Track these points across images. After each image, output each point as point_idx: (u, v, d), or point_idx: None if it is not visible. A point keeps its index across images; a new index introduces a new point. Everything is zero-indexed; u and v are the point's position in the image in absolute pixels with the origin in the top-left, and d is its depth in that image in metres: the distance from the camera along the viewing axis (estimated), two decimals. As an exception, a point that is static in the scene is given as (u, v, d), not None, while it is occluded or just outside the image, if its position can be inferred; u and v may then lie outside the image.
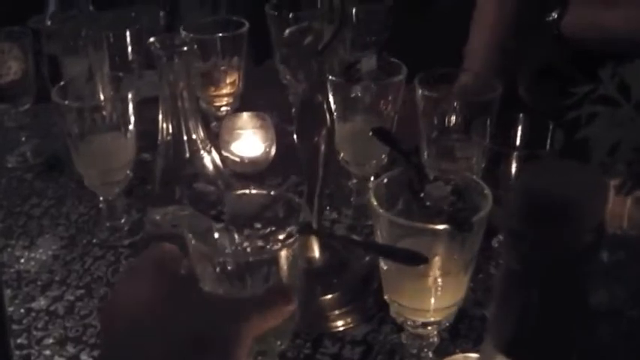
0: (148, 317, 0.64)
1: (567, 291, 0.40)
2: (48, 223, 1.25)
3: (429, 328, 0.87)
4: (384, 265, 0.85)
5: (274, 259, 0.75)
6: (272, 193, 0.83)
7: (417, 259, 0.75)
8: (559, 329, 0.42)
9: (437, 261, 0.80)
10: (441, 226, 0.78)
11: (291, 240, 0.76)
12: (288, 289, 0.73)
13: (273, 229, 0.79)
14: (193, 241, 0.75)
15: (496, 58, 1.42)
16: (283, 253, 0.75)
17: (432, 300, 0.83)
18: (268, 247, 0.80)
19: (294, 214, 0.80)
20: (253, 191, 0.84)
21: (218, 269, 0.76)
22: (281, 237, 0.78)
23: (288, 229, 0.77)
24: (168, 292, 0.66)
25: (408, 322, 0.87)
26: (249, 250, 0.82)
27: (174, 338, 0.61)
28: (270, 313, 0.66)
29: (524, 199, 0.38)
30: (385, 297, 0.87)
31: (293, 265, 0.76)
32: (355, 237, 1.18)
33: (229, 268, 0.76)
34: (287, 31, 0.93)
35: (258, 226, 0.79)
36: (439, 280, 0.82)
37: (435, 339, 0.89)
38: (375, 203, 0.81)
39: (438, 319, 0.86)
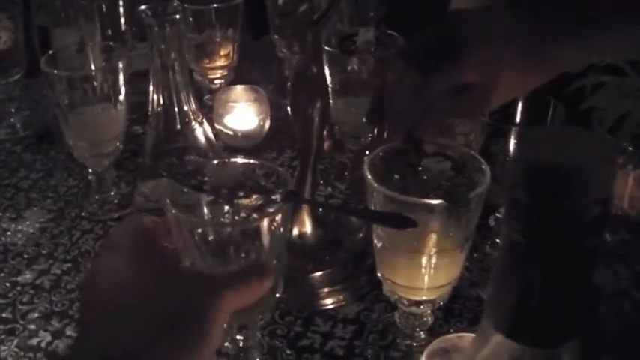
0: (126, 296, 0.63)
1: (571, 266, 0.37)
2: (36, 196, 1.23)
3: (423, 306, 0.85)
4: (377, 242, 0.83)
5: (256, 230, 0.73)
6: (252, 161, 0.80)
7: (406, 223, 0.72)
8: (562, 309, 0.39)
9: (432, 237, 0.78)
10: (436, 202, 0.75)
11: (273, 209, 0.74)
12: (265, 265, 0.71)
13: (263, 200, 0.77)
14: (173, 211, 0.73)
15: None
16: (265, 223, 0.73)
17: (426, 278, 0.81)
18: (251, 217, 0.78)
19: (277, 184, 0.78)
20: (233, 160, 0.82)
21: (199, 241, 0.74)
22: (271, 209, 0.76)
23: (272, 198, 0.74)
24: (146, 269, 0.65)
25: (402, 301, 0.85)
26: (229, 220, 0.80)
27: (152, 316, 0.60)
28: (244, 290, 0.65)
29: (526, 167, 0.35)
30: (378, 274, 0.85)
31: (278, 236, 0.74)
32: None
33: (210, 239, 0.74)
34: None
35: (241, 194, 0.77)
36: (434, 257, 0.79)
37: (429, 318, 0.87)
38: (370, 177, 0.79)
39: (432, 297, 0.84)
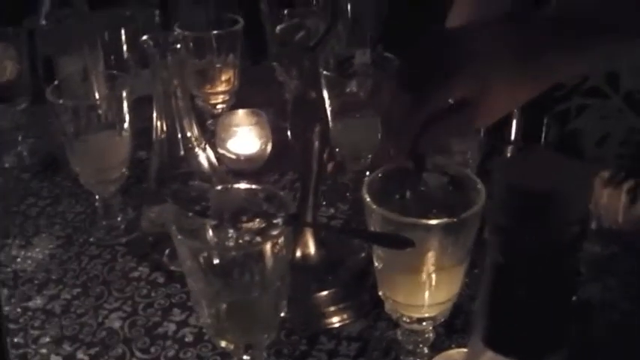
0: None
1: (553, 284, 0.40)
2: (44, 223, 1.25)
3: (424, 323, 0.87)
4: (377, 263, 0.85)
5: (259, 253, 0.76)
6: (254, 187, 0.83)
7: (404, 243, 0.74)
8: (546, 323, 0.41)
9: (431, 256, 0.80)
10: (434, 221, 0.77)
11: (275, 232, 0.76)
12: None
13: (266, 223, 0.80)
14: (179, 236, 0.75)
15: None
16: (268, 246, 0.75)
17: (427, 295, 0.83)
18: (254, 241, 0.80)
19: (279, 207, 0.80)
20: (236, 186, 0.84)
21: (204, 264, 0.76)
22: (273, 232, 0.78)
23: (274, 222, 0.77)
24: None
25: (404, 319, 0.87)
26: (233, 244, 0.82)
27: None
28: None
29: (506, 191, 0.38)
30: (380, 293, 0.87)
31: (280, 258, 0.76)
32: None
33: (215, 262, 0.77)
34: (278, 27, 0.93)
35: (244, 219, 0.80)
36: (433, 275, 0.81)
37: (431, 335, 0.89)
38: (368, 199, 0.81)
39: (433, 314, 0.86)
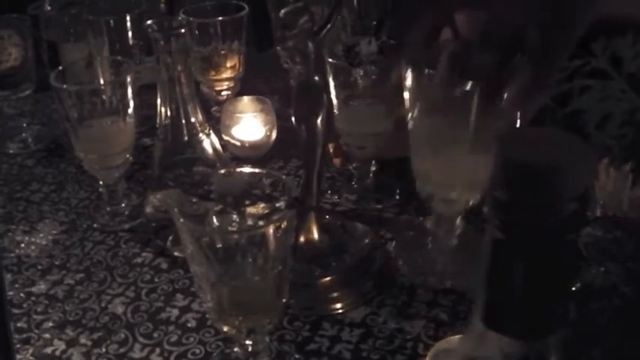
0: None
1: (552, 261, 0.39)
2: (48, 208, 1.25)
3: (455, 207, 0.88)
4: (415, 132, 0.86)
5: (262, 237, 0.75)
6: (258, 171, 0.83)
7: None
8: (545, 303, 0.41)
9: (470, 124, 0.82)
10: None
11: (278, 216, 0.76)
12: None
13: (269, 208, 0.79)
14: (181, 220, 0.75)
15: None
16: (271, 231, 0.75)
17: (462, 171, 0.85)
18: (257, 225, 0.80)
19: (283, 192, 0.80)
20: (239, 170, 0.84)
21: (206, 248, 0.76)
22: (276, 216, 0.78)
23: (277, 205, 0.77)
24: None
25: (435, 196, 0.88)
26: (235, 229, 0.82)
27: None
28: None
29: (504, 166, 0.37)
30: (413, 168, 0.89)
31: (283, 242, 0.76)
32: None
33: (218, 246, 0.76)
34: (282, 11, 0.93)
35: (247, 202, 0.80)
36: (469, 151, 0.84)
37: (459, 222, 0.90)
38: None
39: (464, 195, 0.87)
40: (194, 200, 0.81)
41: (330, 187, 1.24)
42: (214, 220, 0.83)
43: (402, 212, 1.17)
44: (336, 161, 1.26)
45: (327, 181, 1.24)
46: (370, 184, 1.22)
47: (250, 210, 0.81)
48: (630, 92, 0.68)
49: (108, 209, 1.21)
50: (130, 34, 1.41)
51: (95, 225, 1.20)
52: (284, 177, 0.82)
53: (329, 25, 0.94)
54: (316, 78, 0.97)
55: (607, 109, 0.68)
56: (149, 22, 1.02)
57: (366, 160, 1.21)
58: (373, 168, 1.22)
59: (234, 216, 0.83)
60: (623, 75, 0.69)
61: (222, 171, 0.85)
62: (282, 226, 0.76)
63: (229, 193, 0.82)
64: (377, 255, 1.06)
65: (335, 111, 1.09)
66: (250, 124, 1.32)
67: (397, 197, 1.20)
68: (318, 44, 0.96)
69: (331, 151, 1.23)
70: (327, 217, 1.11)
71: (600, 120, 0.69)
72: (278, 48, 1.41)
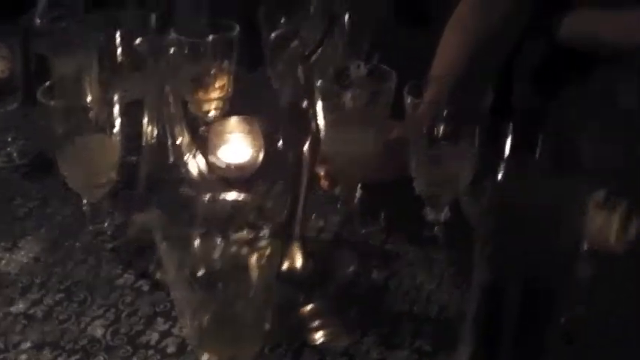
0: None
1: (540, 306, 0.38)
2: (31, 225, 1.24)
3: None
4: None
5: (245, 265, 0.74)
6: (243, 197, 0.82)
7: None
8: (532, 344, 0.40)
9: None
10: None
11: (262, 244, 0.75)
12: None
13: (253, 234, 0.79)
14: (163, 244, 0.74)
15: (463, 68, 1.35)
16: (254, 259, 0.74)
17: None
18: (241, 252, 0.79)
19: (267, 218, 0.79)
20: (225, 195, 0.83)
21: (188, 274, 0.75)
22: (261, 244, 0.77)
23: (261, 233, 0.76)
24: None
25: None
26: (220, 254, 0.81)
27: None
28: None
29: (500, 212, 0.36)
30: None
31: (267, 270, 0.75)
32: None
33: (200, 273, 0.75)
34: (273, 34, 0.92)
35: (231, 229, 0.79)
36: None
37: None
38: None
39: None
40: (178, 224, 0.80)
41: (316, 211, 1.22)
42: (197, 243, 0.82)
43: (387, 237, 1.16)
44: (324, 184, 1.25)
45: (313, 204, 1.22)
46: (356, 207, 1.20)
47: (235, 236, 0.80)
48: (626, 129, 0.67)
49: (91, 228, 1.19)
50: (119, 50, 1.40)
51: (77, 244, 1.18)
52: (269, 203, 0.82)
53: (319, 50, 0.94)
54: (305, 102, 0.96)
55: (602, 144, 0.68)
56: (139, 40, 1.01)
57: (352, 183, 1.19)
58: (359, 192, 1.20)
59: (219, 241, 0.82)
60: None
61: (208, 196, 0.84)
62: (266, 253, 0.75)
63: (214, 218, 0.81)
64: (361, 282, 1.05)
65: (322, 134, 1.08)
66: (238, 145, 1.31)
67: (382, 222, 1.19)
68: (307, 69, 0.95)
69: (322, 173, 1.22)
70: (312, 243, 1.10)
71: (594, 155, 0.69)
72: (269, 69, 1.40)
